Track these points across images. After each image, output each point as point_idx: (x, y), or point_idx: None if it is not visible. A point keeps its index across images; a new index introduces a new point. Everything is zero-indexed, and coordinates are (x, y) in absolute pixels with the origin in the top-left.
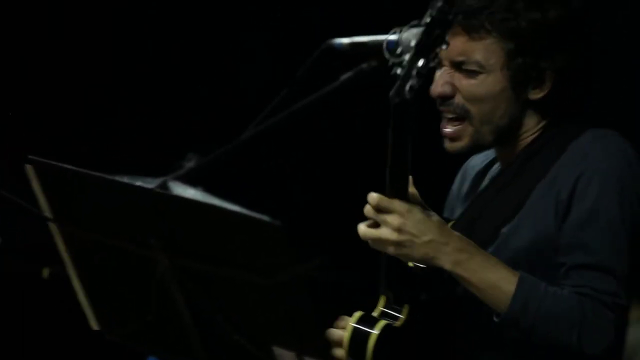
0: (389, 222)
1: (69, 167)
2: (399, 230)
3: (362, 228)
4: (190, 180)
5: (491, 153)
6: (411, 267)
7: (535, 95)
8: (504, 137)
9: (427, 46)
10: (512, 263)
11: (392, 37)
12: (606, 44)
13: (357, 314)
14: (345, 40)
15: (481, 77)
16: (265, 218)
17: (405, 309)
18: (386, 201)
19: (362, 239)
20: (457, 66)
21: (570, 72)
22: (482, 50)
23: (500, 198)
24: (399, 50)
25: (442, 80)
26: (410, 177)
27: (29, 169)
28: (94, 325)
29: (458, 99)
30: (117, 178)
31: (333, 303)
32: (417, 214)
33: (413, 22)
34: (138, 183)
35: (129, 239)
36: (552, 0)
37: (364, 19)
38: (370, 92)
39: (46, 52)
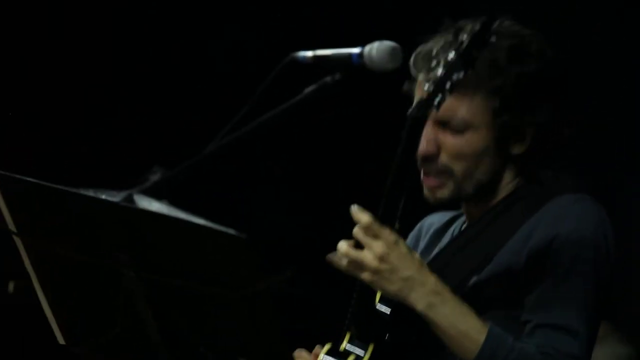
0: (374, 248)
1: (32, 180)
2: (381, 258)
3: (344, 247)
4: (155, 193)
5: (449, 212)
6: (377, 309)
7: (517, 150)
8: (483, 190)
9: (465, 62)
10: (480, 315)
11: (356, 50)
12: (606, 44)
13: (327, 347)
14: (309, 54)
15: (467, 134)
16: (231, 231)
17: (370, 348)
18: (377, 226)
19: (340, 255)
20: (442, 124)
21: (550, 125)
22: (467, 108)
23: (469, 250)
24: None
25: (427, 138)
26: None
27: None
28: (60, 339)
29: (442, 158)
30: (82, 191)
31: (301, 316)
32: (402, 247)
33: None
34: (103, 196)
35: (94, 253)
36: (529, 53)
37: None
38: (337, 104)
39: (46, 52)
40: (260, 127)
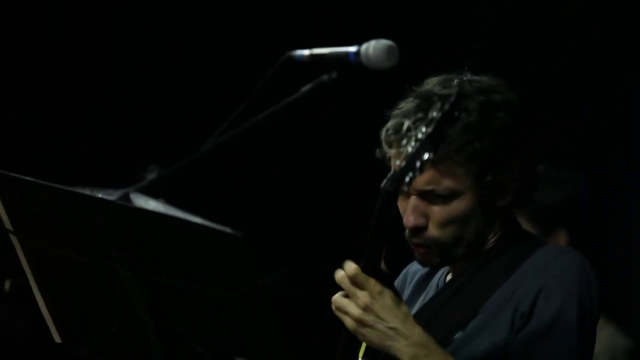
0: (358, 298)
1: (29, 178)
2: (365, 308)
3: (336, 295)
4: (152, 191)
5: None
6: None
7: (501, 203)
8: (472, 249)
9: (436, 139)
10: None
11: (353, 49)
12: (606, 44)
13: None
14: (306, 52)
15: (453, 202)
16: (227, 230)
17: None
18: (362, 277)
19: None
20: (426, 195)
21: (528, 173)
22: (450, 177)
23: (454, 304)
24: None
25: (414, 211)
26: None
27: None
28: (57, 337)
29: (431, 231)
30: (79, 190)
31: (298, 315)
32: (387, 299)
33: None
34: (99, 195)
35: (90, 251)
36: (498, 106)
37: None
38: (334, 102)
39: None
40: (257, 125)
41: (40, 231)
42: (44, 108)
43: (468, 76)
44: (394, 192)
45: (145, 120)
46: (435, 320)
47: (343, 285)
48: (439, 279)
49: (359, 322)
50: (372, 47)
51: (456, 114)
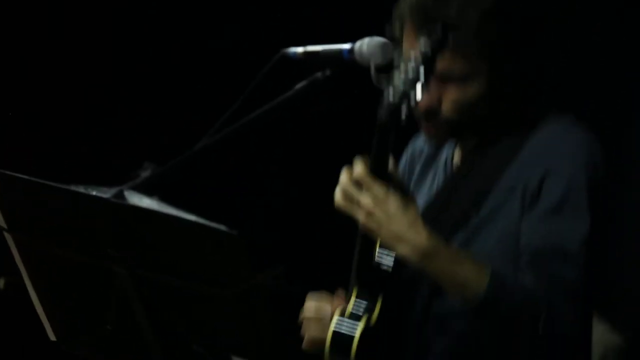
0: (362, 203)
1: (22, 176)
2: (368, 214)
3: (338, 196)
4: (146, 189)
5: None
6: (378, 264)
7: (510, 89)
8: (482, 130)
9: (430, 66)
10: (483, 255)
11: (347, 46)
12: (606, 44)
13: (339, 310)
14: (300, 50)
15: (467, 85)
16: (222, 227)
17: (379, 303)
18: (368, 180)
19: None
20: (442, 77)
21: (534, 60)
22: (465, 60)
23: (467, 184)
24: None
25: (427, 93)
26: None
27: None
28: (52, 336)
29: (444, 112)
30: (73, 187)
31: (294, 312)
32: (391, 204)
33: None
34: (93, 193)
35: (85, 249)
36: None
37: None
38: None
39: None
40: (251, 123)
41: (35, 229)
42: (39, 106)
43: None
44: (389, 123)
45: (142, 120)
46: (445, 211)
47: (346, 189)
48: (447, 158)
49: (364, 225)
50: (366, 45)
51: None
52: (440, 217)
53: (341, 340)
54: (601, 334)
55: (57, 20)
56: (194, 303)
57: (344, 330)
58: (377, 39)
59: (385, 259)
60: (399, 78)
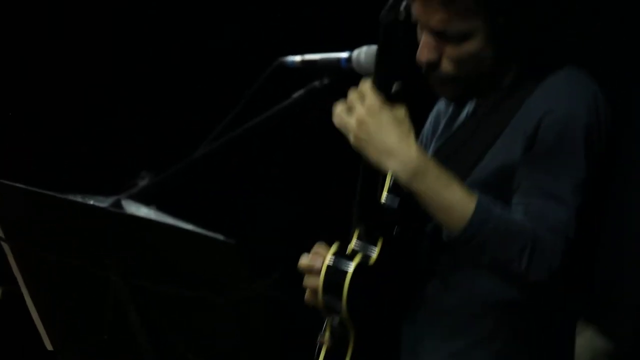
0: (356, 111)
1: (20, 185)
2: (360, 122)
3: (338, 108)
4: (143, 198)
5: None
6: (383, 202)
7: (512, 42)
8: (489, 84)
9: None
10: (481, 191)
11: (345, 55)
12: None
13: (334, 247)
14: (297, 58)
15: (465, 42)
16: (219, 236)
17: (379, 243)
18: (367, 90)
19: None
20: (439, 34)
21: (536, 13)
22: (461, 18)
23: (475, 135)
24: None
25: (426, 46)
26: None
27: None
28: (49, 345)
29: (445, 67)
30: (70, 196)
31: (290, 320)
32: (384, 116)
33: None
34: (91, 202)
35: (82, 258)
36: None
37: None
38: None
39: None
40: (249, 131)
41: (32, 238)
42: (36, 111)
43: None
44: (392, 21)
45: (142, 120)
46: (460, 150)
47: (350, 98)
48: (468, 114)
49: (355, 137)
50: (364, 53)
51: None
52: (451, 157)
53: (334, 275)
54: (589, 339)
55: (57, 20)
56: (191, 312)
57: (337, 265)
58: (375, 48)
59: (391, 201)
60: None
